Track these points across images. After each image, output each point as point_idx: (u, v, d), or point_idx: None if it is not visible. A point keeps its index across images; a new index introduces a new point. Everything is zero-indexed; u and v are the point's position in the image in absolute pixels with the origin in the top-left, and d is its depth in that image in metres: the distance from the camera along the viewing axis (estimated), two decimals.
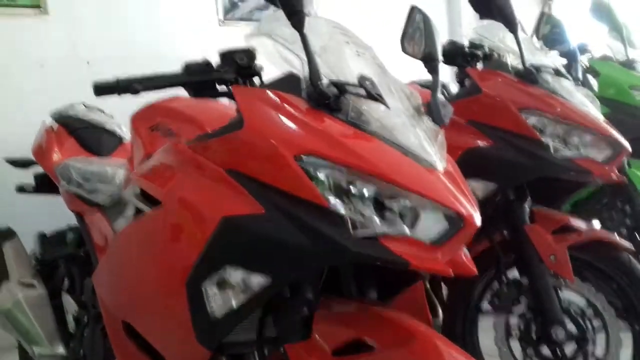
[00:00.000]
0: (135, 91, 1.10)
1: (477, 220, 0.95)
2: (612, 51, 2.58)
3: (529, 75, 1.64)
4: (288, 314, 1.06)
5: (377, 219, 0.92)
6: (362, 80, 0.99)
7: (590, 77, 2.36)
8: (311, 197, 0.92)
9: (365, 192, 0.93)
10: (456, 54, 1.78)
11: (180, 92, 1.47)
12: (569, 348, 1.66)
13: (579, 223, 1.70)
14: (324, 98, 0.99)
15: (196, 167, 1.07)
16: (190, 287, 1.03)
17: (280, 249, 0.94)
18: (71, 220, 2.07)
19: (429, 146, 1.01)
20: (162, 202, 1.10)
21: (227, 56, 1.16)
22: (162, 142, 1.34)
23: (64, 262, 1.85)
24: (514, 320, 1.71)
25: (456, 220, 0.93)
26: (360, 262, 0.95)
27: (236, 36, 3.14)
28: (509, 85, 1.66)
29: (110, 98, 2.10)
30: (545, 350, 1.67)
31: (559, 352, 1.65)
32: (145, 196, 1.18)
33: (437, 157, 1.01)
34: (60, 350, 1.75)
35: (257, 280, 0.97)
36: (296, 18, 0.99)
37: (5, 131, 2.54)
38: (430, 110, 1.09)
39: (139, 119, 1.47)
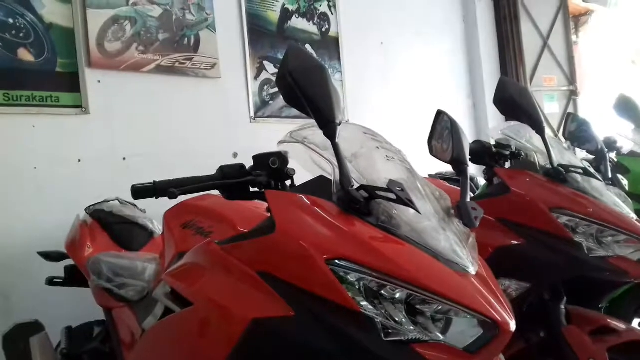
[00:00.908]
0: (172, 196, 1.14)
1: (512, 326, 0.93)
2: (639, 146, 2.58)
3: (557, 175, 1.66)
4: None
5: (409, 324, 0.91)
6: (392, 185, 1.01)
7: (620, 176, 2.35)
8: (342, 300, 0.93)
9: (397, 297, 0.93)
10: (483, 154, 1.81)
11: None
12: None
13: (617, 323, 1.64)
14: (355, 202, 1.01)
15: (227, 267, 1.08)
16: None
17: (309, 353, 0.94)
18: (100, 314, 2.09)
19: (460, 249, 1.02)
20: (192, 302, 1.11)
21: (261, 160, 1.20)
22: (193, 240, 1.37)
23: (89, 356, 1.83)
24: None
25: (491, 327, 0.91)
26: None
27: (266, 132, 3.24)
28: (538, 185, 1.67)
29: None
30: None
31: None
32: (175, 296, 1.19)
33: (468, 260, 1.01)
34: None
35: None
36: (329, 128, 1.03)
37: (41, 224, 2.61)
38: (460, 212, 1.10)
39: (171, 217, 1.51)
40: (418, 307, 0.93)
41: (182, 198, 1.41)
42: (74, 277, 2.15)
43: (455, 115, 1.35)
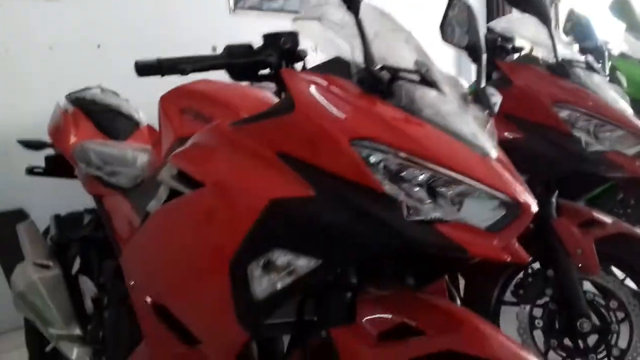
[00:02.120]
0: (180, 72, 1.08)
1: (534, 208, 0.94)
2: (631, 49, 2.58)
3: (561, 69, 1.64)
4: (331, 298, 1.05)
5: (431, 205, 0.92)
6: (419, 65, 0.98)
7: (618, 73, 2.36)
8: (366, 181, 0.92)
9: (420, 178, 0.92)
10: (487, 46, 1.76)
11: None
12: (592, 339, 1.67)
13: (603, 217, 1.71)
14: (377, 83, 0.98)
15: (241, 148, 1.05)
16: (233, 269, 1.02)
17: (333, 233, 0.93)
18: (81, 203, 2.05)
19: (481, 134, 1.01)
20: (204, 183, 1.09)
21: (271, 39, 1.14)
22: (193, 125, 1.32)
23: (79, 244, 1.82)
24: (537, 312, 1.72)
25: (513, 207, 0.92)
26: (413, 248, 0.94)
27: (246, 25, 3.12)
28: (541, 79, 1.65)
29: (120, 81, 2.10)
30: (568, 341, 1.68)
31: (581, 344, 1.66)
32: (183, 178, 1.17)
33: (489, 144, 1.00)
34: (77, 331, 1.72)
35: (306, 264, 0.96)
36: (353, 3, 0.97)
37: (15, 113, 2.50)
38: (479, 98, 1.08)
39: (168, 101, 1.45)
40: (439, 189, 0.93)
41: (159, 84, 1.35)
42: (55, 167, 2.10)
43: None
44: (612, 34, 2.65)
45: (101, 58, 2.76)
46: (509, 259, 0.92)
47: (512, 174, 0.97)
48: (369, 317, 1.03)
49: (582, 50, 2.13)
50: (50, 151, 2.14)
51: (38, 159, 2.12)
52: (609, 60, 2.37)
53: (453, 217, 0.91)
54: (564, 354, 1.72)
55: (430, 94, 1.00)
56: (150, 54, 2.93)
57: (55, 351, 2.06)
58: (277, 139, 1.01)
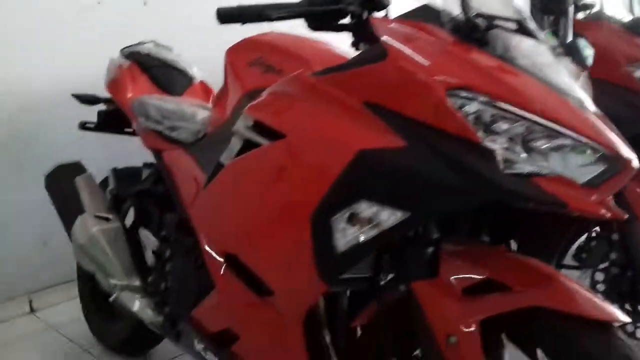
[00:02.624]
0: (264, 19, 1.06)
1: (636, 163, 0.91)
2: None
3: (636, 27, 1.55)
4: (414, 252, 1.04)
5: (528, 158, 0.90)
6: (516, 14, 0.95)
7: None
8: (461, 131, 0.90)
9: (516, 130, 0.90)
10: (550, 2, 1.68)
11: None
12: None
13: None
14: (474, 30, 0.95)
15: (326, 99, 1.04)
16: (316, 221, 1.02)
17: (425, 184, 0.92)
18: (131, 160, 2.06)
19: (576, 86, 0.98)
20: (284, 134, 1.08)
21: None
22: (264, 77, 1.31)
23: (139, 197, 1.84)
24: (599, 276, 1.70)
25: (614, 162, 0.90)
26: (509, 201, 0.92)
27: None
28: (615, 36, 1.57)
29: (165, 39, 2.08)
30: (628, 306, 1.67)
31: None
32: (259, 129, 1.16)
33: (585, 97, 0.97)
34: (137, 282, 1.76)
35: (392, 216, 0.95)
36: None
37: (65, 69, 2.50)
38: (570, 52, 1.05)
39: (235, 54, 1.44)
40: (535, 141, 0.91)
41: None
42: (107, 122, 2.11)
43: None
44: None
45: (148, 15, 2.74)
46: (608, 215, 0.89)
47: (611, 128, 0.95)
48: (451, 272, 1.03)
49: None
50: (103, 106, 2.15)
51: (89, 114, 2.14)
52: None
53: (550, 171, 0.89)
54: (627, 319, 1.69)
55: (527, 43, 0.97)
56: (194, 11, 2.91)
57: (108, 302, 2.13)
58: (365, 89, 0.99)
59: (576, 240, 1.74)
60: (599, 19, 1.67)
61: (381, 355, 1.15)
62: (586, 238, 1.69)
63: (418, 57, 0.94)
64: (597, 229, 1.70)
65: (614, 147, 0.90)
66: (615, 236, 1.64)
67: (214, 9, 1.11)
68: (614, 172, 0.90)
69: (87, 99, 2.08)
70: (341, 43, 1.35)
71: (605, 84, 1.57)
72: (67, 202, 1.89)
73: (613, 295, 1.68)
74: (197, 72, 2.03)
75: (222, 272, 1.28)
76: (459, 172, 0.89)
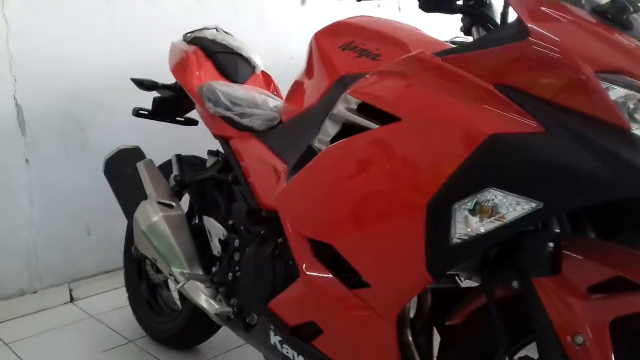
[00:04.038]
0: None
1: None
2: None
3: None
4: (535, 247, 0.99)
5: None
6: None
7: None
8: (612, 118, 0.85)
9: None
10: None
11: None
12: None
13: None
14: (622, 12, 0.90)
15: (452, 80, 0.99)
16: (434, 208, 0.97)
17: (565, 173, 0.86)
18: (188, 149, 2.03)
19: None
20: (400, 117, 1.03)
21: None
22: (359, 62, 1.27)
23: (204, 185, 1.80)
24: None
25: None
26: None
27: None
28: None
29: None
30: None
31: None
32: (365, 112, 1.11)
33: None
34: (200, 271, 1.71)
35: (522, 207, 0.90)
36: None
37: (120, 56, 2.48)
38: None
39: (325, 37, 1.39)
40: None
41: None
42: (162, 110, 2.08)
43: None
44: None
45: (197, 4, 2.71)
46: None
47: None
48: (574, 269, 0.98)
49: None
50: (155, 93, 2.11)
51: (142, 101, 2.10)
52: None
53: None
54: None
55: None
56: (243, 5, 2.88)
57: (157, 292, 2.09)
58: (499, 70, 0.94)
59: None
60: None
61: (484, 355, 1.10)
62: None
63: (562, 37, 0.89)
64: None
65: None
66: None
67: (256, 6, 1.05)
68: None
69: (146, 85, 2.04)
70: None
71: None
72: (129, 187, 1.85)
73: None
74: (259, 61, 1.99)
75: (310, 262, 1.23)
76: (607, 161, 0.84)
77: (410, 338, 1.21)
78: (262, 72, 2.02)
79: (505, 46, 0.93)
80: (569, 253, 1.00)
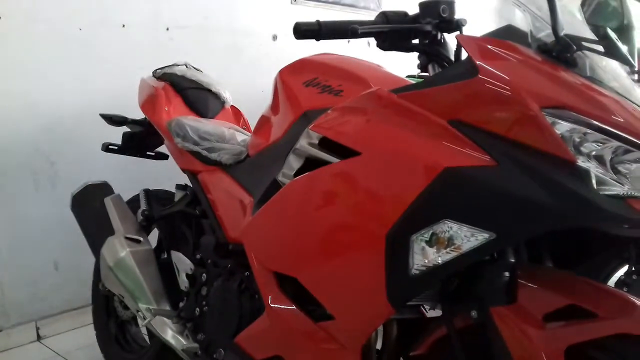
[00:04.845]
0: (346, 35, 1.05)
1: None
2: None
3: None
4: (492, 277, 1.01)
5: (624, 178, 0.88)
6: (602, 36, 0.95)
7: None
8: (555, 150, 0.88)
9: (606, 150, 0.89)
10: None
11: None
12: None
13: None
14: (564, 51, 0.95)
15: (408, 116, 1.02)
16: (393, 239, 0.99)
17: (516, 204, 0.89)
18: (152, 184, 2.03)
19: None
20: (359, 151, 1.06)
21: (427, 7, 1.11)
22: (321, 98, 1.30)
23: (172, 219, 1.80)
24: None
25: None
26: (604, 223, 0.90)
27: (305, 15, 3.10)
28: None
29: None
30: None
31: None
32: (326, 146, 1.14)
33: None
34: (167, 307, 1.70)
35: (476, 237, 0.92)
36: None
37: (89, 89, 2.48)
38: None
39: (289, 74, 1.43)
40: (624, 164, 0.90)
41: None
42: (132, 145, 2.08)
43: None
44: None
45: (170, 41, 2.75)
46: None
47: None
48: (529, 298, 1.00)
49: None
50: (125, 128, 2.12)
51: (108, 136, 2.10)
52: None
53: None
54: None
55: (613, 65, 0.97)
56: (215, 40, 2.94)
57: (126, 329, 2.06)
58: (452, 106, 0.98)
59: (614, 273, 1.72)
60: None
61: None
62: (626, 272, 1.67)
63: (509, 75, 0.93)
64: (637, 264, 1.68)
65: None
66: None
67: (231, 41, 1.09)
68: None
69: (115, 120, 2.05)
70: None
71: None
72: (96, 223, 1.83)
73: None
74: (229, 96, 2.02)
75: (275, 295, 1.23)
76: (555, 192, 0.87)
77: None
78: (232, 106, 2.05)
79: (457, 83, 0.97)
80: (525, 282, 1.02)
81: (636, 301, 0.96)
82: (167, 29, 2.77)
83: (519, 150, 0.91)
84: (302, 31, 1.08)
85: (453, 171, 0.93)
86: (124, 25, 2.61)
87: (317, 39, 1.10)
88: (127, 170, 2.39)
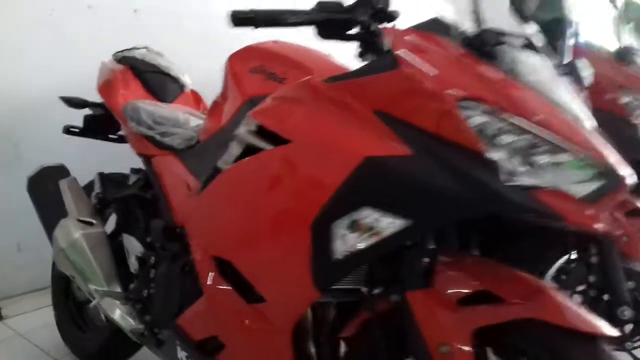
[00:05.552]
0: (278, 23, 1.07)
1: (630, 180, 0.94)
2: None
3: (624, 56, 1.49)
4: (410, 262, 1.05)
5: (531, 170, 0.92)
6: (523, 32, 0.98)
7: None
8: (467, 142, 0.91)
9: (519, 143, 0.92)
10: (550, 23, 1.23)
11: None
12: (628, 327, 1.69)
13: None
14: (484, 45, 0.97)
15: (336, 105, 1.05)
16: (317, 226, 1.02)
17: (429, 192, 0.93)
18: (114, 166, 2.04)
19: (578, 104, 1.01)
20: (290, 140, 1.08)
21: None
22: (266, 85, 1.32)
23: (124, 202, 1.81)
24: (577, 298, 1.73)
25: (611, 179, 0.92)
26: (508, 212, 0.94)
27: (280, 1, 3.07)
28: (604, 64, 1.61)
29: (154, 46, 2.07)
30: None
31: (619, 331, 1.67)
32: (262, 134, 1.16)
33: (586, 115, 1.00)
34: (118, 289, 1.72)
35: (394, 224, 0.96)
36: None
37: (55, 72, 2.48)
38: (569, 72, 1.09)
39: (237, 60, 1.45)
40: (537, 155, 0.93)
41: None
42: (93, 128, 2.09)
43: None
44: None
45: (137, 22, 2.74)
46: (603, 229, 0.92)
47: (609, 146, 0.98)
48: (446, 283, 1.04)
49: None
50: (87, 111, 2.13)
51: (74, 119, 2.11)
52: None
53: (549, 184, 0.91)
54: None
55: (533, 59, 1.00)
56: (183, 25, 2.92)
57: (83, 310, 2.08)
58: (376, 97, 1.00)
59: (556, 262, 1.77)
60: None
61: None
62: (566, 260, 1.71)
63: (428, 68, 0.96)
64: (577, 252, 1.73)
65: (611, 163, 0.92)
66: (593, 259, 1.67)
67: (202, 19, 1.10)
68: (611, 188, 0.92)
69: (75, 102, 2.06)
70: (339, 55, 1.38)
71: (593, 110, 1.62)
72: (50, 205, 1.85)
73: None
74: (188, 80, 2.03)
75: (212, 278, 1.26)
76: (463, 182, 0.91)
77: (313, 350, 1.25)
78: (192, 91, 2.06)
79: (380, 75, 1.00)
80: (444, 268, 1.06)
81: (544, 287, 1.00)
82: (135, 10, 2.76)
83: (435, 142, 0.94)
84: (238, 19, 1.09)
85: (373, 160, 0.96)
86: (89, 7, 2.60)
87: (255, 27, 1.11)
88: (92, 152, 2.39)
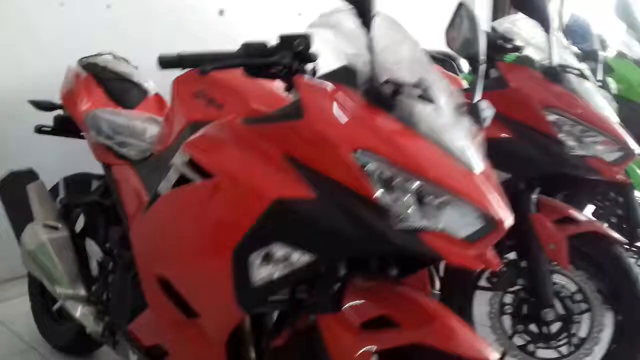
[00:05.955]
0: (202, 72, 1.15)
1: (509, 223, 1.04)
2: (628, 49, 2.69)
3: (554, 74, 1.74)
4: (321, 288, 1.16)
5: (418, 214, 1.02)
6: (421, 82, 1.07)
7: (609, 79, 2.45)
8: (361, 189, 1.01)
9: (409, 188, 1.02)
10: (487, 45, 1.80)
11: None
12: (555, 326, 1.82)
13: (578, 215, 1.82)
14: (381, 97, 1.06)
15: (253, 146, 1.14)
16: (237, 256, 1.13)
17: (329, 233, 1.03)
18: (88, 164, 2.12)
19: (469, 148, 1.10)
20: (214, 174, 1.18)
21: (286, 40, 1.20)
22: (205, 111, 1.40)
23: (87, 208, 1.92)
24: (508, 298, 1.86)
25: (490, 222, 1.02)
26: (397, 253, 1.05)
27: None
28: (534, 82, 1.75)
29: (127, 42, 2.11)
30: (533, 327, 1.84)
31: (545, 330, 1.81)
32: (194, 166, 1.25)
33: (475, 158, 1.10)
34: (82, 291, 1.84)
35: (302, 258, 1.06)
36: (366, 18, 1.05)
37: (25, 72, 2.54)
38: (471, 112, 1.17)
39: (182, 84, 1.52)
40: (427, 198, 1.03)
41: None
42: (64, 127, 2.16)
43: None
44: (613, 34, 2.77)
45: (110, 19, 2.79)
46: (481, 267, 1.03)
47: (494, 188, 1.07)
48: (353, 307, 1.15)
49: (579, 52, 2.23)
50: (60, 111, 2.20)
51: (47, 119, 2.18)
52: (604, 60, 2.45)
53: (435, 227, 1.01)
54: (529, 339, 1.87)
55: (428, 109, 1.08)
56: (157, 19, 2.95)
57: (55, 301, 2.20)
58: (285, 142, 1.10)
59: None
60: (523, 63, 1.82)
61: None
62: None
63: (330, 119, 1.05)
64: (509, 256, 1.86)
65: (490, 208, 1.02)
66: (523, 263, 1.80)
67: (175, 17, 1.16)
68: (489, 230, 1.03)
69: (44, 106, 2.13)
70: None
71: (523, 126, 1.73)
72: (18, 210, 1.95)
73: (520, 317, 1.85)
74: (151, 85, 2.10)
75: (154, 292, 1.38)
76: (357, 225, 1.01)
77: (253, 357, 1.37)
78: (156, 95, 2.12)
79: (288, 122, 1.09)
80: (353, 293, 1.17)
81: (440, 313, 1.12)
82: (108, 6, 2.80)
83: (334, 186, 1.03)
84: (164, 62, 1.17)
85: (282, 201, 1.06)
86: (62, 4, 2.64)
87: (182, 69, 1.19)
88: (65, 152, 2.47)
